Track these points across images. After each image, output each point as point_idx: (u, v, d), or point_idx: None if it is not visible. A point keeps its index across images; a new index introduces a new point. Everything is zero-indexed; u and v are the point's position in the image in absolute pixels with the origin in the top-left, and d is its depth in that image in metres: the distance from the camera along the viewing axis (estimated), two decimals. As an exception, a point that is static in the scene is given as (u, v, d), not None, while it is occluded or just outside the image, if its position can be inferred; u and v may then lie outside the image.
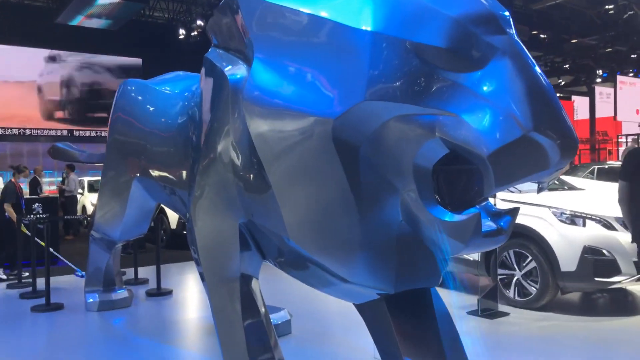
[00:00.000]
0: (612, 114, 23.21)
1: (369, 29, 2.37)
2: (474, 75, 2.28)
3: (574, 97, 26.00)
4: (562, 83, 24.61)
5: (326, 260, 2.74)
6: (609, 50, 20.62)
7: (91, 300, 5.73)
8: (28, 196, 9.97)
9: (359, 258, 2.62)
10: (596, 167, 11.78)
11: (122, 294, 5.89)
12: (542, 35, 18.77)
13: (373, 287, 2.75)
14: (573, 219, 5.40)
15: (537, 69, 2.25)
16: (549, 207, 5.52)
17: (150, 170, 4.34)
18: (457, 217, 2.37)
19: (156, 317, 5.71)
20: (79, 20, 15.65)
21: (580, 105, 25.32)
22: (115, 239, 5.25)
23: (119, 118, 4.76)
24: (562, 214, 5.46)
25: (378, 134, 2.44)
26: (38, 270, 6.57)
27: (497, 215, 2.55)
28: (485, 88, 2.25)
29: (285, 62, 2.63)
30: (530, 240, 5.51)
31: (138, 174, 4.54)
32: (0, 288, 7.07)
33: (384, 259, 2.64)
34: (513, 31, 2.36)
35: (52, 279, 6.11)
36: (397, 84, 2.33)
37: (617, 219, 5.35)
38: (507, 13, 2.39)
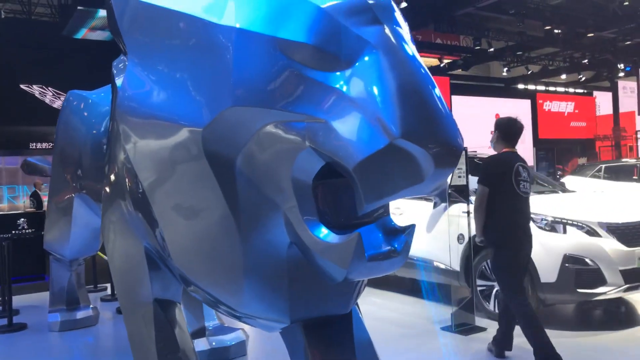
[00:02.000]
0: (637, 109, 22.33)
1: (233, 24, 2.09)
2: (343, 75, 1.98)
3: (595, 93, 25.06)
4: (583, 79, 23.75)
5: (212, 288, 2.46)
6: (628, 43, 19.79)
7: (53, 320, 5.56)
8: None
9: (245, 285, 2.33)
10: (603, 165, 11.16)
11: (86, 312, 5.69)
12: (556, 31, 18.11)
13: (265, 318, 2.45)
14: (553, 225, 5.00)
15: (416, 63, 1.93)
16: (527, 213, 5.12)
17: (87, 187, 4.14)
18: (335, 238, 2.06)
19: (121, 337, 5.49)
20: (83, 34, 15.68)
21: (603, 101, 24.40)
22: (66, 258, 5.06)
23: (60, 130, 4.59)
24: (541, 219, 5.06)
25: (251, 145, 2.15)
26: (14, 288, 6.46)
27: (393, 233, 2.23)
28: (354, 89, 1.94)
29: (156, 65, 2.37)
30: (508, 249, 5.12)
31: (78, 191, 4.34)
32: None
33: (274, 286, 2.34)
34: (395, 20, 2.05)
35: (28, 296, 5.98)
36: (264, 87, 2.04)
37: (601, 224, 4.94)
38: (388, 1, 2.08)
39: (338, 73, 1.98)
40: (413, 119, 1.82)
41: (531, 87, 23.82)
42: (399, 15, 2.11)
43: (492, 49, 18.80)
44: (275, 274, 2.32)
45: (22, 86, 13.68)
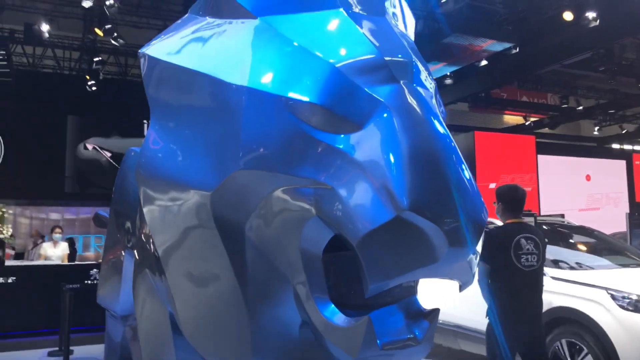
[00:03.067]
0: None
1: (244, 83, 1.98)
2: (353, 137, 1.79)
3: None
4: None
5: None
6: None
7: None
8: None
9: None
10: None
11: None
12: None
13: None
14: (637, 304, 4.40)
15: (433, 126, 1.72)
16: (607, 289, 4.56)
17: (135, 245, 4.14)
18: (344, 321, 1.82)
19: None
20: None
21: None
22: (118, 313, 5.05)
23: (116, 185, 4.67)
24: (623, 297, 4.48)
25: (260, 211, 1.99)
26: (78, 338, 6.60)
27: (416, 317, 1.95)
28: (362, 153, 1.76)
29: (173, 125, 2.30)
30: (584, 329, 4.55)
31: (128, 248, 4.34)
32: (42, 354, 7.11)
33: None
34: (415, 79, 1.86)
35: (92, 347, 6.06)
36: (272, 149, 1.91)
37: (695, 306, 4.29)
38: (407, 57, 1.90)
39: (348, 135, 1.80)
40: (424, 190, 1.59)
41: (627, 146, 22.35)
42: (422, 74, 1.92)
43: (580, 107, 17.93)
44: (286, 355, 2.10)
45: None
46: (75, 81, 13.74)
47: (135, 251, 3.07)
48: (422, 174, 1.61)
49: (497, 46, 11.91)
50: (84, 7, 10.83)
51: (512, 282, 3.68)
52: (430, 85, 1.95)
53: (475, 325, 5.53)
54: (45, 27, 11.75)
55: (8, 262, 8.72)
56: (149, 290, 2.98)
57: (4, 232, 8.56)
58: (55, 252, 8.85)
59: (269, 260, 2.04)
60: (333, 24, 2.00)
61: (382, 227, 1.60)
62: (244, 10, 2.13)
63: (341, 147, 1.79)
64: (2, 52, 11.98)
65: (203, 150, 2.12)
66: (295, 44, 1.95)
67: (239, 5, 2.14)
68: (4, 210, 8.48)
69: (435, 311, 1.94)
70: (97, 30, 11.65)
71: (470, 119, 20.17)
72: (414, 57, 1.95)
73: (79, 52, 13.91)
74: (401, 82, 1.81)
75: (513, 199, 3.86)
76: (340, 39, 1.96)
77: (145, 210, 2.40)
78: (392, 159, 1.66)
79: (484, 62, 13.06)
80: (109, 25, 11.13)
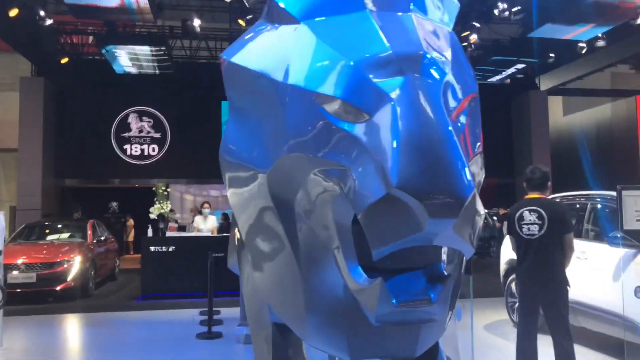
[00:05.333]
0: None
1: (286, 81, 2.31)
2: (364, 126, 2.05)
3: None
4: None
5: (286, 320, 2.67)
6: None
7: (240, 333, 6.28)
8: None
9: (308, 321, 2.50)
10: None
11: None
12: None
13: (329, 352, 2.56)
14: None
15: (427, 114, 1.91)
16: None
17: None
18: (365, 281, 2.10)
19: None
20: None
21: None
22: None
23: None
24: None
25: (303, 189, 2.33)
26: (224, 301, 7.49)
27: (436, 281, 2.17)
28: (370, 139, 2.02)
29: (243, 119, 2.70)
30: None
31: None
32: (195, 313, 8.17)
33: (333, 325, 2.46)
34: (423, 70, 2.04)
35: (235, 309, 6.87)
36: (307, 137, 2.24)
37: None
38: (417, 50, 2.08)
39: (362, 123, 2.05)
40: (410, 169, 1.82)
41: None
42: (434, 65, 2.09)
43: None
44: (333, 312, 2.42)
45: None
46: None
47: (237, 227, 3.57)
48: (409, 156, 1.82)
49: (654, 0, 10.74)
50: (227, 1, 11.86)
51: (518, 249, 4.42)
52: (445, 74, 2.11)
53: (596, 302, 5.35)
54: (197, 22, 12.99)
55: (169, 234, 10.03)
56: (246, 260, 3.47)
57: (164, 207, 9.82)
58: (205, 225, 9.99)
59: (314, 231, 2.36)
60: (357, 25, 2.24)
61: (378, 202, 1.84)
62: (290, 16, 2.45)
63: (356, 133, 2.04)
64: (163, 48, 13.50)
65: (262, 139, 2.49)
66: (326, 45, 2.23)
67: (286, 12, 2.46)
68: (163, 188, 9.70)
69: (448, 277, 2.14)
70: (240, 21, 12.67)
71: (635, 82, 18.31)
72: (426, 49, 2.12)
73: (228, 42, 15.14)
74: (407, 74, 2.01)
75: (528, 179, 4.46)
76: (361, 39, 2.19)
77: (228, 193, 2.85)
78: (390, 143, 1.88)
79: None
80: (250, 16, 12.04)
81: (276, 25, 2.56)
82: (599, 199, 5.84)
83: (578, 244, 5.66)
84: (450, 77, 2.15)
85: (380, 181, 1.86)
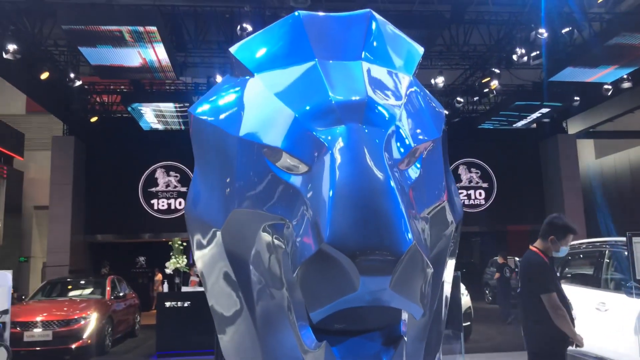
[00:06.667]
0: None
1: (238, 134, 2.25)
2: (305, 177, 1.96)
3: None
4: None
5: None
6: None
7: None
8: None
9: None
10: None
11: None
12: None
13: None
14: None
15: (363, 164, 1.81)
16: None
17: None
18: (310, 344, 1.96)
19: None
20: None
21: None
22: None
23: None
24: None
25: (256, 246, 2.24)
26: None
27: (391, 343, 2.00)
28: (308, 191, 1.92)
29: (203, 172, 2.65)
30: None
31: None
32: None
33: None
34: (367, 119, 1.95)
35: None
36: (254, 189, 2.18)
37: None
38: (360, 99, 1.99)
39: (303, 175, 1.97)
40: (342, 223, 1.69)
41: None
42: (379, 113, 2.00)
43: None
44: None
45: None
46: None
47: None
48: (343, 209, 1.70)
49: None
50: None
51: None
52: (390, 121, 2.01)
53: (618, 357, 4.99)
54: (219, 79, 13.30)
55: (186, 289, 9.93)
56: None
57: (180, 262, 9.78)
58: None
59: (269, 291, 2.24)
60: (305, 76, 2.20)
61: (312, 259, 1.72)
62: (245, 69, 2.42)
63: (296, 185, 1.95)
64: (187, 104, 13.82)
65: (218, 193, 2.42)
66: (273, 97, 2.18)
67: (242, 64, 2.43)
68: (179, 242, 9.71)
69: (401, 339, 1.97)
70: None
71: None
72: (372, 96, 2.03)
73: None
74: (347, 123, 1.92)
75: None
76: (306, 90, 2.13)
77: (195, 256, 2.77)
78: (325, 195, 1.78)
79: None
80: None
81: (236, 78, 2.54)
82: (616, 246, 5.53)
83: (597, 295, 5.34)
84: (399, 125, 2.05)
85: (314, 236, 1.75)
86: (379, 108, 2.01)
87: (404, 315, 2.12)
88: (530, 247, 3.91)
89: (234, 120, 2.32)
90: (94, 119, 15.22)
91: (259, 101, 2.25)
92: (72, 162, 15.26)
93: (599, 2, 9.73)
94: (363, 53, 2.30)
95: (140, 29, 9.80)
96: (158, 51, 10.74)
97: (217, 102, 2.59)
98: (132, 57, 10.96)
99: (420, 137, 2.16)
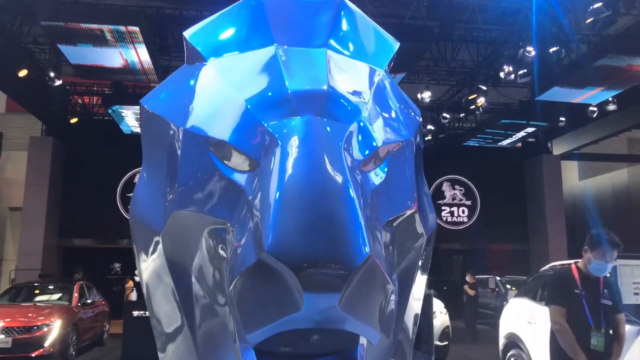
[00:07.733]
0: None
1: (184, 125, 2.00)
2: (250, 175, 1.72)
3: None
4: None
5: None
6: None
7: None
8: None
9: None
10: None
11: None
12: None
13: None
14: None
15: (315, 160, 1.56)
16: None
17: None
18: None
19: None
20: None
21: None
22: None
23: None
24: None
25: (199, 253, 1.98)
26: None
27: None
28: (253, 192, 1.67)
29: (149, 170, 2.39)
30: None
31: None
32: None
33: None
34: (326, 110, 1.72)
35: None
36: (196, 188, 1.90)
37: None
38: (319, 89, 1.76)
39: (249, 173, 1.73)
40: (286, 230, 1.44)
41: None
42: (341, 106, 1.77)
43: None
44: None
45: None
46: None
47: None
48: (288, 212, 1.45)
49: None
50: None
51: None
52: (354, 115, 1.78)
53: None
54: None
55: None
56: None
57: (151, 269, 9.44)
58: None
59: (212, 307, 1.99)
60: (261, 62, 1.95)
61: (250, 270, 1.48)
62: (198, 54, 2.17)
63: (241, 184, 1.72)
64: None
65: (161, 193, 2.16)
66: (225, 84, 1.94)
67: (195, 49, 2.18)
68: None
69: None
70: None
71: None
72: (334, 87, 1.80)
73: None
74: (303, 115, 1.68)
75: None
76: (261, 77, 1.90)
77: (135, 252, 2.50)
78: (270, 196, 1.53)
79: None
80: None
81: (191, 65, 2.29)
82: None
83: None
84: (364, 121, 1.82)
85: (255, 244, 1.50)
86: (342, 100, 1.78)
87: (362, 339, 1.88)
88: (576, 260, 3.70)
89: (181, 111, 2.06)
90: (74, 120, 14.86)
91: (209, 89, 2.00)
92: (49, 164, 14.88)
93: (587, 22, 9.63)
94: (329, 41, 2.07)
95: (122, 28, 9.55)
96: (140, 52, 10.48)
97: (167, 91, 2.34)
98: (113, 57, 10.69)
99: (389, 136, 1.92)
